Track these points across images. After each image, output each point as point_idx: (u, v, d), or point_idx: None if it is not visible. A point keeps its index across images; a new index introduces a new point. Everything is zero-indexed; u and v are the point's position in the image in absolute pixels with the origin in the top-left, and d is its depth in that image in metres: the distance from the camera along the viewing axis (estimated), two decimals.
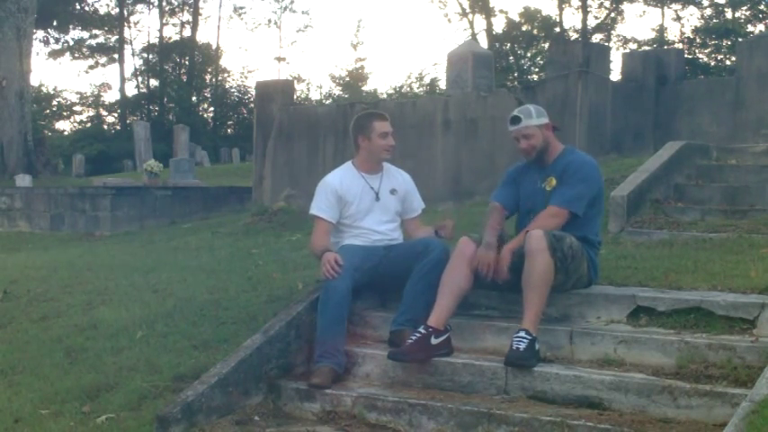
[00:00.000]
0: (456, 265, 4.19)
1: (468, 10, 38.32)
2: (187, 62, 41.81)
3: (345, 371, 4.24)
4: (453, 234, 4.57)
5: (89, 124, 41.19)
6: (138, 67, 42.24)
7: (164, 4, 41.93)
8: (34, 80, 32.76)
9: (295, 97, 17.49)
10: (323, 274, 4.36)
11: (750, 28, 31.30)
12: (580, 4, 36.42)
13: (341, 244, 4.61)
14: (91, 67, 42.53)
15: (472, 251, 4.19)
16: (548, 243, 4.00)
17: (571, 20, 40.51)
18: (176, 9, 42.75)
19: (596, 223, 4.47)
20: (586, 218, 4.32)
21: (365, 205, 4.65)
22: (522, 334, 3.88)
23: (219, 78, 42.63)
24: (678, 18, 36.51)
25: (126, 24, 41.45)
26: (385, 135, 4.66)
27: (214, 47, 42.36)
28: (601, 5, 37.07)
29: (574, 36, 35.49)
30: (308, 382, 4.15)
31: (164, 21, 42.17)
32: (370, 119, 4.72)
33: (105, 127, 41.07)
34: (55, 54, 40.72)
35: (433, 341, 4.02)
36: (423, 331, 4.03)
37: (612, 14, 37.32)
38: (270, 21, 54.85)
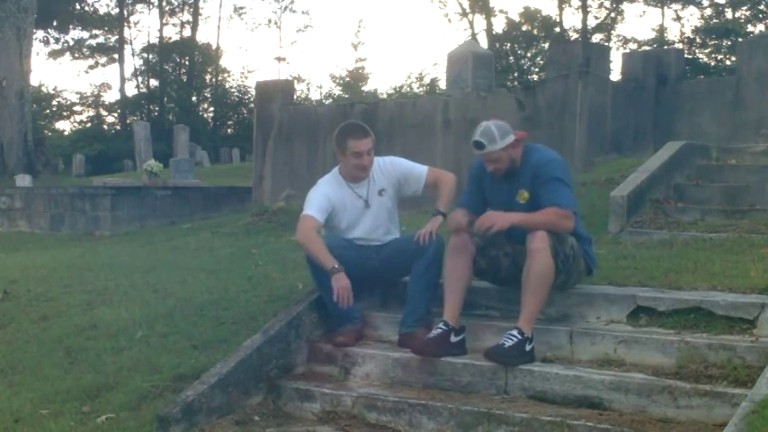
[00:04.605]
0: (454, 257, 4.19)
1: (468, 10, 38.31)
2: (187, 62, 41.79)
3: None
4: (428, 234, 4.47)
5: (89, 124, 41.17)
6: (138, 67, 42.30)
7: (164, 4, 41.91)
8: (34, 80, 32.76)
9: (295, 97, 17.48)
10: (336, 297, 4.32)
11: (750, 28, 31.27)
12: (580, 4, 36.39)
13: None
14: (91, 67, 42.56)
15: (464, 239, 4.20)
16: (551, 244, 3.99)
17: (571, 20, 40.53)
18: (176, 9, 42.75)
19: (578, 220, 4.39)
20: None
21: (354, 217, 4.62)
22: (515, 333, 3.89)
23: (219, 78, 42.63)
24: (678, 18, 36.50)
25: (126, 24, 41.43)
26: (358, 155, 4.52)
27: (214, 47, 42.40)
28: (601, 5, 37.06)
29: (574, 36, 35.45)
30: (332, 342, 4.39)
31: (164, 21, 42.20)
32: (345, 136, 4.56)
33: (105, 127, 41.06)
34: (55, 54, 40.75)
35: (453, 339, 4.05)
36: (443, 327, 4.05)
37: (612, 14, 37.30)
38: (270, 21, 54.82)
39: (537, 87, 11.11)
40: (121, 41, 41.23)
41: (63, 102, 42.03)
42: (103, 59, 42.22)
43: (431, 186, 4.71)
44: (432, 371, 4.04)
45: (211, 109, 42.74)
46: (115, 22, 40.81)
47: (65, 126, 42.43)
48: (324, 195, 4.60)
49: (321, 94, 41.24)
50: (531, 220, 4.10)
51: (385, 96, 35.07)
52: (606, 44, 28.56)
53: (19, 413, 4.19)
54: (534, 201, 4.19)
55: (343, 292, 4.29)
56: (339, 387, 4.13)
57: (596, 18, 37.30)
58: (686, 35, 34.66)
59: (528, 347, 3.89)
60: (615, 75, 18.72)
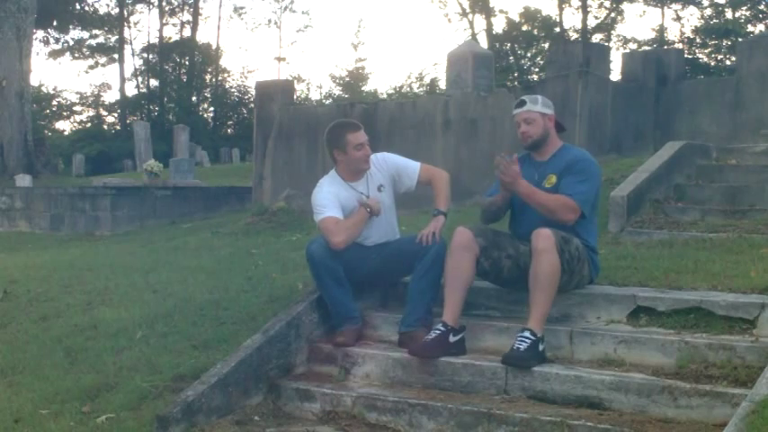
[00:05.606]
0: (457, 256, 4.18)
1: (468, 10, 38.31)
2: (187, 62, 41.76)
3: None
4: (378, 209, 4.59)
5: (89, 124, 41.15)
6: (138, 67, 42.24)
7: (164, 4, 41.88)
8: (34, 80, 32.69)
9: (295, 97, 17.47)
10: (375, 210, 4.54)
11: (750, 28, 31.26)
12: (580, 4, 36.39)
13: None
14: (91, 67, 42.49)
15: (469, 239, 4.19)
16: (556, 243, 3.99)
17: (571, 20, 40.51)
18: (176, 9, 42.70)
19: (593, 229, 4.42)
20: (584, 222, 4.26)
21: None
22: (527, 334, 3.87)
23: (219, 78, 42.62)
24: (678, 18, 36.48)
25: (126, 24, 41.39)
26: (360, 146, 4.58)
27: (214, 47, 42.36)
28: (601, 5, 37.04)
29: (574, 36, 35.47)
30: (332, 342, 4.38)
31: (164, 21, 42.15)
32: (342, 132, 4.63)
33: (105, 127, 41.04)
34: (55, 54, 40.65)
35: (451, 339, 4.06)
36: (442, 329, 4.05)
37: (612, 14, 37.30)
38: (270, 21, 54.78)
39: (537, 87, 11.08)
40: (121, 41, 41.20)
41: (63, 102, 42.02)
42: (103, 59, 42.18)
43: (424, 183, 4.74)
44: (432, 371, 4.04)
45: (211, 109, 42.73)
46: (115, 22, 40.75)
47: (65, 126, 42.47)
48: (331, 194, 4.60)
49: (321, 94, 41.33)
50: (534, 197, 4.16)
51: (385, 96, 35.07)
52: (606, 44, 28.56)
53: (19, 413, 4.19)
54: (557, 188, 4.24)
55: (376, 204, 4.52)
56: (339, 387, 4.13)
57: (596, 18, 37.32)
58: (686, 35, 34.70)
59: (541, 347, 3.89)
60: (615, 75, 18.73)
